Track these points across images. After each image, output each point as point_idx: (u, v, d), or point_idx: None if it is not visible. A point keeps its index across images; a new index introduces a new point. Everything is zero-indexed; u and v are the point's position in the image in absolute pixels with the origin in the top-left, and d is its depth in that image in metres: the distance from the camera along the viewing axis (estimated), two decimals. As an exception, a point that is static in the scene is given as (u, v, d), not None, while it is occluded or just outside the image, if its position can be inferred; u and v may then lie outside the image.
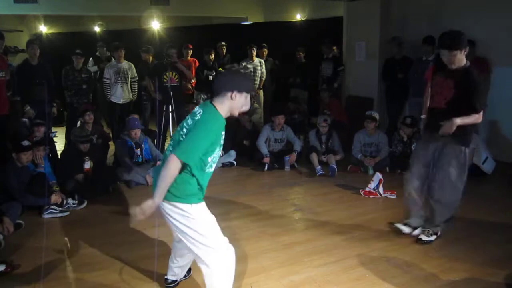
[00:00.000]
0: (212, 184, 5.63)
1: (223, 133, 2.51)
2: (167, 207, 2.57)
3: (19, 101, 6.13)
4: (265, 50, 8.26)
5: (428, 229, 3.67)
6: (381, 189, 4.88)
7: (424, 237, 3.65)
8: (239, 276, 3.16)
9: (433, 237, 3.66)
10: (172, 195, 2.50)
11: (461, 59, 3.29)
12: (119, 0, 8.98)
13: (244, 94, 2.46)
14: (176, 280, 3.06)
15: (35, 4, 8.12)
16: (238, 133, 6.66)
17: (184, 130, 2.47)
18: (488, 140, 5.93)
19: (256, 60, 7.97)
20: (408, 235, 3.72)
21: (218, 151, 2.53)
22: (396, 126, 6.82)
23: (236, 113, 2.52)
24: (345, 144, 6.16)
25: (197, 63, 7.84)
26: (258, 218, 4.27)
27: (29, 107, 5.82)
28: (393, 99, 6.81)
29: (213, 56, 7.66)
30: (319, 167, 5.77)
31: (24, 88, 5.94)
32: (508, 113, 6.05)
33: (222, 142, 2.55)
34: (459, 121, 3.26)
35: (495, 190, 5.21)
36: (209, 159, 2.49)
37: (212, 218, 2.60)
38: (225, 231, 3.92)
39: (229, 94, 2.42)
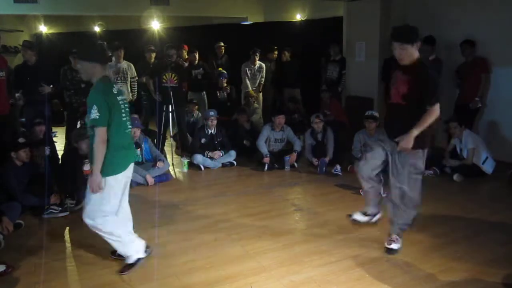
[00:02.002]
0: (212, 184, 5.70)
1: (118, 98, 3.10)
2: None
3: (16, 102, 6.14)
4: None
5: (393, 235, 3.48)
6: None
7: (394, 246, 3.45)
8: (239, 276, 3.17)
9: (398, 244, 3.46)
10: None
11: (412, 53, 3.24)
12: (119, 0, 8.97)
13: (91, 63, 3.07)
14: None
15: (35, 4, 8.11)
16: (238, 133, 6.66)
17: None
18: (488, 140, 5.92)
19: (258, 63, 7.98)
20: (368, 222, 3.76)
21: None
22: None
23: (88, 78, 3.20)
24: (345, 144, 6.15)
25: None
26: (258, 218, 4.27)
27: (18, 94, 5.86)
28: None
29: (197, 55, 7.67)
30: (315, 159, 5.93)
31: (21, 88, 5.95)
32: (508, 113, 6.05)
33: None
34: (416, 132, 3.13)
35: (495, 190, 5.21)
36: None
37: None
38: (225, 231, 3.97)
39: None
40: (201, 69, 7.66)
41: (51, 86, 5.84)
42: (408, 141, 3.14)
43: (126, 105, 3.16)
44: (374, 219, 3.76)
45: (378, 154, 3.47)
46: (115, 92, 3.11)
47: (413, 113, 3.19)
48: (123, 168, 3.10)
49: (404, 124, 3.21)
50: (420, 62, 3.27)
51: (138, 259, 3.24)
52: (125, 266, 3.23)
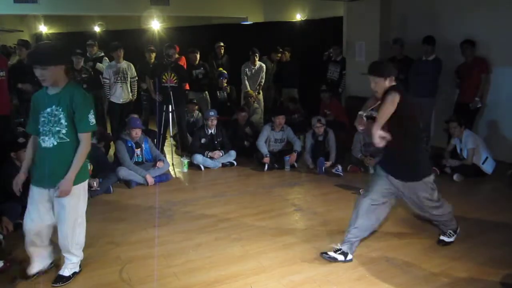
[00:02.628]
0: (212, 184, 5.70)
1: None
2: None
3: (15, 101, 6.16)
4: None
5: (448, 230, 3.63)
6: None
7: (446, 238, 3.62)
8: (239, 276, 3.17)
9: (453, 237, 3.63)
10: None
11: (384, 86, 3.20)
12: (119, 0, 8.98)
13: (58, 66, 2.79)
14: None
15: (35, 4, 8.11)
16: (238, 133, 6.66)
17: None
18: (488, 140, 5.92)
19: (258, 64, 7.98)
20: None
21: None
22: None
23: (54, 84, 2.83)
24: (345, 144, 6.15)
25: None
26: (258, 218, 4.27)
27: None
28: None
29: (198, 55, 7.66)
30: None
31: (17, 86, 5.97)
32: (508, 113, 6.05)
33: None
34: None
35: (495, 190, 5.21)
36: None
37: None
38: (225, 231, 3.97)
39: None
40: (202, 69, 7.66)
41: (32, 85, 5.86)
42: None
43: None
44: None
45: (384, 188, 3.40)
46: None
47: (404, 145, 3.19)
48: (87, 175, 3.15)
49: (399, 162, 3.26)
50: (387, 90, 3.15)
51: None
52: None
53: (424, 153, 3.25)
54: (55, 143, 2.84)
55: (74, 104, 2.81)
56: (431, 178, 3.30)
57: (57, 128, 2.82)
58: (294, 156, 6.03)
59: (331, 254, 3.36)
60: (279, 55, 8.45)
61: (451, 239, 3.62)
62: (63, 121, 2.81)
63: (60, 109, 2.81)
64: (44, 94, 2.89)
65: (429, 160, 3.35)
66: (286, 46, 8.46)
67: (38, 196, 2.92)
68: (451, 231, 3.62)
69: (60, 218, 2.94)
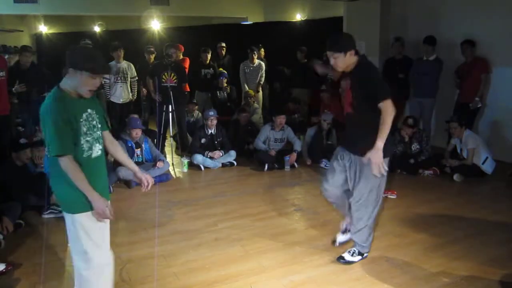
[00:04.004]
0: (212, 184, 5.70)
1: (90, 110, 2.40)
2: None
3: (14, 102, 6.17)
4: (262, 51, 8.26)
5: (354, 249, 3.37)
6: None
7: (348, 256, 3.34)
8: (239, 276, 3.17)
9: (356, 258, 3.34)
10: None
11: (346, 61, 3.02)
12: (119, 0, 8.98)
13: (85, 73, 2.28)
14: None
15: (35, 4, 8.12)
16: (238, 133, 6.66)
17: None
18: (488, 140, 5.92)
19: (257, 62, 7.97)
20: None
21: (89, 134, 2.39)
22: (396, 126, 6.82)
23: (81, 92, 2.33)
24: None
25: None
26: (258, 218, 4.27)
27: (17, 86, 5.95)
28: (393, 99, 6.79)
29: (210, 55, 7.65)
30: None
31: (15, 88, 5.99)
32: (508, 113, 6.05)
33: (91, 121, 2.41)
34: (380, 143, 2.87)
35: (495, 190, 5.21)
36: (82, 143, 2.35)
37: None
38: (225, 231, 3.97)
39: (70, 70, 2.32)
40: (211, 69, 7.65)
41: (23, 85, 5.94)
42: (378, 155, 2.88)
43: None
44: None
45: (338, 172, 3.27)
46: None
47: (366, 121, 3.02)
48: None
49: (360, 135, 3.05)
50: (357, 64, 3.05)
51: None
52: None
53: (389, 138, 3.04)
54: (102, 149, 2.51)
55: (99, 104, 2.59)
56: (387, 161, 3.11)
57: (98, 133, 2.47)
58: (294, 156, 6.03)
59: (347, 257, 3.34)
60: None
61: (354, 259, 3.32)
62: (99, 125, 2.50)
63: (94, 112, 2.46)
64: (70, 100, 2.34)
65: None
66: (303, 46, 8.32)
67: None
68: (358, 250, 3.34)
69: None
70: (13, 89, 5.90)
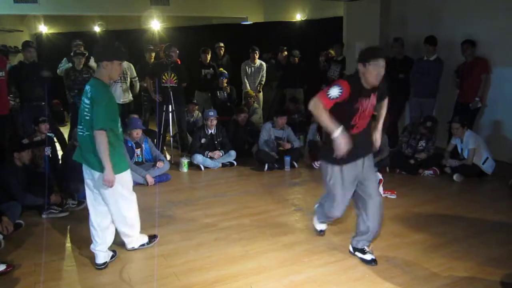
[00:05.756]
0: (212, 184, 5.69)
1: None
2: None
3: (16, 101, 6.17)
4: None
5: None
6: (381, 189, 4.86)
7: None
8: (239, 276, 3.17)
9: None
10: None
11: None
12: (119, 0, 8.99)
13: (115, 62, 3.05)
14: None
15: (35, 4, 8.12)
16: (238, 135, 6.65)
17: (86, 109, 3.02)
18: (488, 140, 5.93)
19: (258, 62, 7.97)
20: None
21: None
22: (396, 126, 6.82)
23: (114, 78, 3.18)
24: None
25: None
26: (258, 218, 4.27)
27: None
28: (394, 99, 6.78)
29: (209, 55, 7.65)
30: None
31: (19, 87, 5.98)
32: (508, 113, 6.05)
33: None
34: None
35: (495, 190, 5.21)
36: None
37: None
38: (225, 231, 3.96)
39: (101, 64, 3.05)
40: (211, 69, 7.65)
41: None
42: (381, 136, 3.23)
43: (80, 103, 3.15)
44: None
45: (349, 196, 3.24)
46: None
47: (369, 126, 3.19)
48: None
49: (367, 137, 3.22)
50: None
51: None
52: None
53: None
54: None
55: None
56: None
57: None
58: (288, 144, 6.11)
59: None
60: (285, 53, 8.33)
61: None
62: None
63: None
64: (108, 87, 3.13)
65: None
66: (294, 47, 8.35)
67: None
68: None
69: None
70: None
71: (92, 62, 7.29)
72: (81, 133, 3.13)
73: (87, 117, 3.02)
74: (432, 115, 6.01)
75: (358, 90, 2.89)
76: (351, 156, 2.94)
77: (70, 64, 6.64)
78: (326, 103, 2.81)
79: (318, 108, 2.80)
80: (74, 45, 7.50)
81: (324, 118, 2.80)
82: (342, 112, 2.89)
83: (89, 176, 3.20)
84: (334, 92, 2.80)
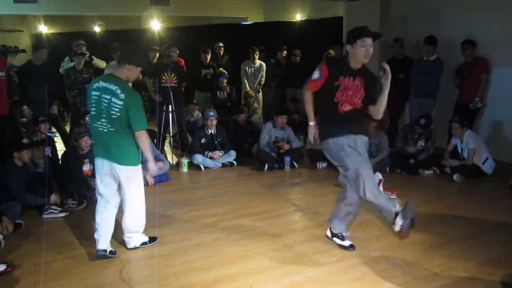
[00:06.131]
0: (212, 184, 5.69)
1: None
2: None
3: (17, 101, 6.14)
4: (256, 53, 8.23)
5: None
6: (381, 189, 4.87)
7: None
8: (239, 276, 3.17)
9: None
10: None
11: None
12: (119, 0, 8.99)
13: (139, 68, 3.28)
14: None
15: (35, 4, 8.12)
16: (238, 134, 6.66)
17: (116, 109, 3.14)
18: (488, 140, 5.93)
19: (258, 62, 7.97)
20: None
21: None
22: (396, 126, 6.82)
23: (131, 81, 3.41)
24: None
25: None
26: (258, 218, 4.27)
27: (25, 107, 5.85)
28: (394, 99, 6.78)
29: (209, 55, 7.65)
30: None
31: (24, 88, 5.96)
32: (508, 113, 6.05)
33: None
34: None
35: (495, 190, 5.21)
36: None
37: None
38: (225, 231, 3.97)
39: (125, 66, 3.22)
40: (211, 69, 7.65)
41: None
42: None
43: (100, 99, 3.21)
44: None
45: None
46: (93, 87, 3.27)
47: (363, 110, 3.34)
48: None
49: (359, 120, 3.35)
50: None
51: None
52: None
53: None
54: None
55: None
56: None
57: None
58: (287, 145, 6.13)
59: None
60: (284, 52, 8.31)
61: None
62: None
63: None
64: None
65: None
66: (294, 47, 8.34)
67: None
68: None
69: None
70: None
71: (96, 61, 7.29)
72: (101, 129, 3.23)
73: (115, 116, 3.15)
74: (427, 114, 6.02)
75: (337, 69, 3.23)
76: (339, 131, 3.22)
77: (73, 63, 6.65)
78: (310, 84, 3.27)
79: (304, 93, 3.31)
80: (75, 44, 7.51)
81: (306, 107, 3.33)
82: (327, 89, 3.23)
83: (107, 171, 3.32)
84: (315, 74, 3.23)
